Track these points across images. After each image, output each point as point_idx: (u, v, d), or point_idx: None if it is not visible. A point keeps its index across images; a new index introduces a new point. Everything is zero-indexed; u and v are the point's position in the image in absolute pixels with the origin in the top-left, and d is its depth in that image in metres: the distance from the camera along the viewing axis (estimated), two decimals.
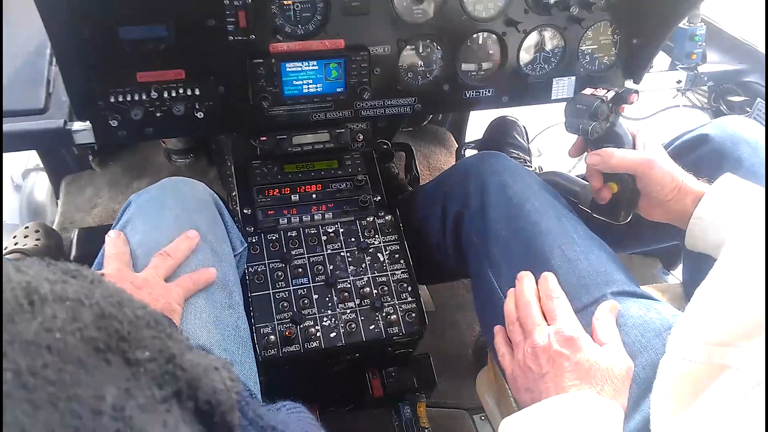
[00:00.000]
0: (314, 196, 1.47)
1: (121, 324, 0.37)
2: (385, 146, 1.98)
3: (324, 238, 1.40)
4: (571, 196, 1.35)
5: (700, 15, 1.68)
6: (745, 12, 1.99)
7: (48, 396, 0.31)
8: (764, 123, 1.65)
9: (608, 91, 1.18)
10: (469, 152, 2.26)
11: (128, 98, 1.32)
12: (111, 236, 1.09)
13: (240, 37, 1.34)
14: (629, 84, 1.65)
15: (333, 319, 1.31)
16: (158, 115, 1.35)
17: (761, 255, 0.74)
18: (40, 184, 2.37)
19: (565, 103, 1.24)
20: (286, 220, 1.42)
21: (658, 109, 1.84)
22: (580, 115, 1.17)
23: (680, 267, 1.63)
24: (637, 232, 1.37)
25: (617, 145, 1.17)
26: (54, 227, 2.07)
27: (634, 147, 1.19)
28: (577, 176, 1.46)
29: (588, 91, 1.21)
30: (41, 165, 2.29)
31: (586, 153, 1.26)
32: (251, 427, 0.57)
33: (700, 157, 1.28)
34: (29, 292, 0.34)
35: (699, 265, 1.12)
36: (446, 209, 1.37)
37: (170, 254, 1.05)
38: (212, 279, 1.07)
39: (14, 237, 1.90)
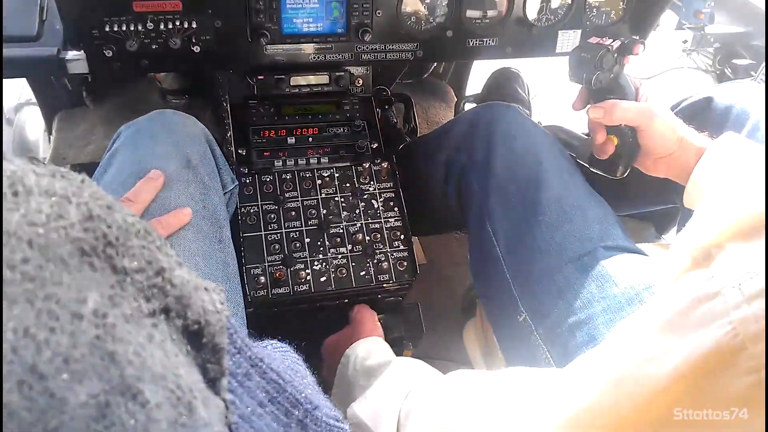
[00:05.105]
0: (311, 139, 1.45)
1: (109, 228, 0.35)
2: (384, 93, 1.94)
3: (319, 182, 1.39)
4: (569, 150, 1.34)
5: None
6: None
7: (24, 292, 0.29)
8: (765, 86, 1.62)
9: (614, 40, 1.15)
10: (468, 106, 2.23)
11: (124, 28, 1.28)
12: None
13: None
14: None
15: (324, 264, 1.31)
16: (154, 47, 1.31)
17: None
18: (33, 119, 2.32)
19: (570, 51, 1.22)
20: (281, 162, 1.40)
21: (662, 70, 1.81)
22: (585, 64, 1.14)
23: (673, 231, 1.63)
24: (635, 191, 1.37)
25: (620, 97, 1.15)
26: (45, 163, 2.05)
27: (636, 100, 1.17)
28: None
29: (594, 39, 1.18)
30: (34, 99, 2.25)
31: (588, 106, 1.24)
32: (239, 355, 0.54)
33: (705, 119, 1.26)
34: (13, 181, 0.32)
35: None
36: (452, 159, 1.36)
37: (132, 199, 0.96)
38: (186, 221, 0.99)
39: None
